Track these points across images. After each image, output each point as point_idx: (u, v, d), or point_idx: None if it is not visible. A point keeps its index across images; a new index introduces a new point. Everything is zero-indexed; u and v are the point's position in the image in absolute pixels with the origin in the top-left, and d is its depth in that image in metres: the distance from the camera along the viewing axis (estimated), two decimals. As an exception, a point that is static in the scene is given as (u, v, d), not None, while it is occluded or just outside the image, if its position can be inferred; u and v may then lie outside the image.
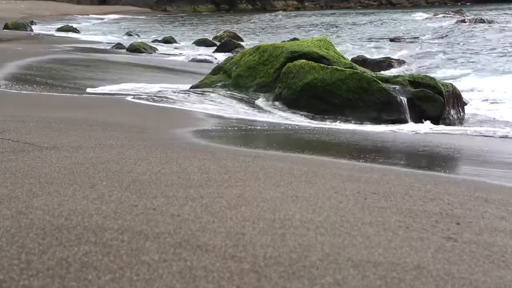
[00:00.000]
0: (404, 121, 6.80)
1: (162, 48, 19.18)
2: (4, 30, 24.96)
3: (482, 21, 26.46)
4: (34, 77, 8.86)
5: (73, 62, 11.60)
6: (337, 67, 7.33)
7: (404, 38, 22.76)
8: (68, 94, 7.35)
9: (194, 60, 15.21)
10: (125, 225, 2.09)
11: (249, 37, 26.15)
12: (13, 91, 7.19)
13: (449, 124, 7.04)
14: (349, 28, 31.31)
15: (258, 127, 5.86)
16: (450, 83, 7.62)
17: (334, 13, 50.68)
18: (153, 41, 21.05)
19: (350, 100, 6.95)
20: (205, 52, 17.34)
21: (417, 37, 22.69)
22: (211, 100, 7.49)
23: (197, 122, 5.76)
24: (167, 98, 7.24)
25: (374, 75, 7.26)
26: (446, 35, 22.32)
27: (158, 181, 2.77)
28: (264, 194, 2.63)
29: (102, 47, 18.38)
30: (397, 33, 25.29)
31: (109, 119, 5.13)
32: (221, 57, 15.07)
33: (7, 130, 4.06)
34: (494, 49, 17.04)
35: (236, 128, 5.70)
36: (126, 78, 9.88)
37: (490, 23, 25.74)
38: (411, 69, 13.92)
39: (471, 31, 22.46)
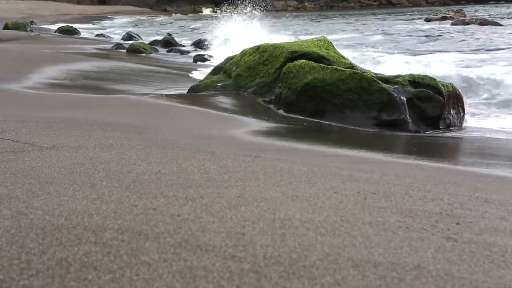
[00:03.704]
0: (404, 121, 6.79)
1: (162, 48, 19.16)
2: (4, 30, 24.91)
3: (483, 22, 26.40)
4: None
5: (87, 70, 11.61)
6: (337, 67, 7.33)
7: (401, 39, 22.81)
8: (67, 94, 7.35)
9: (194, 60, 15.22)
10: (125, 225, 2.09)
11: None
12: (18, 90, 7.19)
13: (449, 125, 7.04)
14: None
15: (258, 127, 5.85)
16: (451, 83, 7.59)
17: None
18: (153, 41, 21.01)
19: (350, 100, 6.94)
20: (204, 52, 17.33)
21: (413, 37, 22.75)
22: (211, 100, 7.49)
23: (197, 121, 5.76)
24: (166, 97, 7.25)
25: (374, 75, 7.25)
26: (445, 36, 22.31)
27: (158, 181, 2.77)
28: (264, 194, 2.63)
29: (103, 47, 18.36)
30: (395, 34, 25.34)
31: (109, 119, 5.13)
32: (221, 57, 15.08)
33: (7, 130, 4.06)
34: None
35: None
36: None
37: (493, 24, 25.69)
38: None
39: (472, 31, 22.44)
